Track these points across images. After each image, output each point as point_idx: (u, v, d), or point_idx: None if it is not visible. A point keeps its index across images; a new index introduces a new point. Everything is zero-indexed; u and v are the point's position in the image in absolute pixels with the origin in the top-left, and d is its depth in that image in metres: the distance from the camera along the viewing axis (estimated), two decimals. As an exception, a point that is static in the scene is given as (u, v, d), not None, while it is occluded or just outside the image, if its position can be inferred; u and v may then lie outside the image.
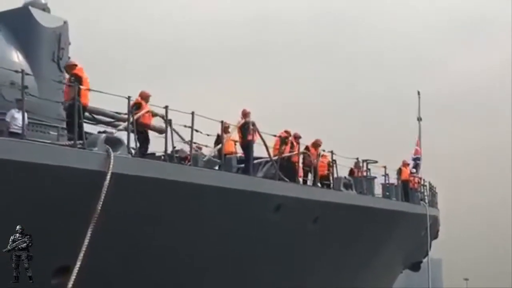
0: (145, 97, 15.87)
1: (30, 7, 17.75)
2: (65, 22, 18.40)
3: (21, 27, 17.52)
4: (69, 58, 18.40)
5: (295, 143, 20.47)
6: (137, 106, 15.48)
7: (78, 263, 12.26)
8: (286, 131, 20.40)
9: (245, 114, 18.39)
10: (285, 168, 19.43)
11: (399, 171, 27.22)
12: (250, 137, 18.13)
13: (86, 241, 12.45)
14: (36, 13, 17.75)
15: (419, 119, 32.55)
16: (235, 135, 18.39)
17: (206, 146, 17.20)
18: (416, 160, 30.76)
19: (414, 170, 29.75)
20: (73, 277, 12.20)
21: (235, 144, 18.74)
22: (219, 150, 17.30)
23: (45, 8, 18.18)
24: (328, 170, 22.08)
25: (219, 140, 17.64)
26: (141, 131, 15.59)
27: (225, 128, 17.80)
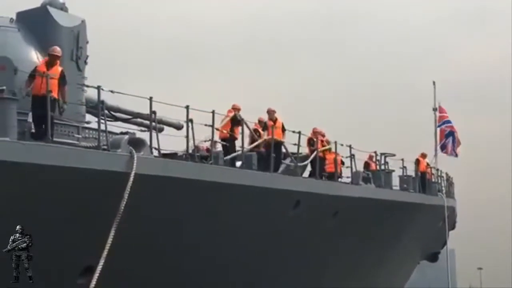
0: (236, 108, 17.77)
1: (48, 7, 17.69)
2: (83, 21, 18.38)
3: (39, 27, 17.48)
4: (87, 57, 18.42)
5: (323, 141, 20.73)
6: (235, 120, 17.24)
7: (101, 263, 12.32)
8: (314, 132, 20.63)
9: (269, 112, 18.59)
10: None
11: (417, 162, 27.17)
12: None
13: (110, 241, 12.51)
14: (54, 12, 17.71)
15: (435, 109, 32.29)
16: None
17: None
18: (447, 123, 30.52)
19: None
20: (96, 277, 12.27)
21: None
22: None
23: (63, 7, 18.16)
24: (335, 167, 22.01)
25: (254, 137, 18.08)
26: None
27: (260, 123, 18.15)
